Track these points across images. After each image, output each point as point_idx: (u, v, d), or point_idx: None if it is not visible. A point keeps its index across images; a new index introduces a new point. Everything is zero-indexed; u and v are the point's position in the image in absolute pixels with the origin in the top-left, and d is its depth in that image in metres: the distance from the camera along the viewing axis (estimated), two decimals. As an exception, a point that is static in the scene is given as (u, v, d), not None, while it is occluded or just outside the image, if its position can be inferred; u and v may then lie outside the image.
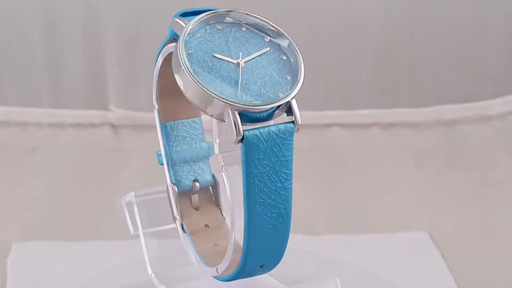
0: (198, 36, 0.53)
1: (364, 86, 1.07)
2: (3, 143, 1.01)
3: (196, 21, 0.54)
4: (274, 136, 0.51)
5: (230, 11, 0.55)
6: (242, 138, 0.51)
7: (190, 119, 0.61)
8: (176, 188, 0.61)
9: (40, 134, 1.03)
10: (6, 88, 1.05)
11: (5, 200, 0.88)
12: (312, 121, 1.06)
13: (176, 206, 0.61)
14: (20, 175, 0.94)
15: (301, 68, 0.53)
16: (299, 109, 0.52)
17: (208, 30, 0.54)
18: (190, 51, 0.53)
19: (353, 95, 1.07)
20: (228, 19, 0.54)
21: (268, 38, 0.54)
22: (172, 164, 0.61)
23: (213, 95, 0.51)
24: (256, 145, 0.51)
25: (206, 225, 0.61)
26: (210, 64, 0.52)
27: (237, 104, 0.51)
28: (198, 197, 0.62)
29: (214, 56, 0.52)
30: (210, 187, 0.62)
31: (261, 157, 0.51)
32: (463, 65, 1.08)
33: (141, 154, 0.99)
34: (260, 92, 0.52)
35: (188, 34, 0.53)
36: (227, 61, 0.52)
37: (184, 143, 0.61)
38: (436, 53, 1.07)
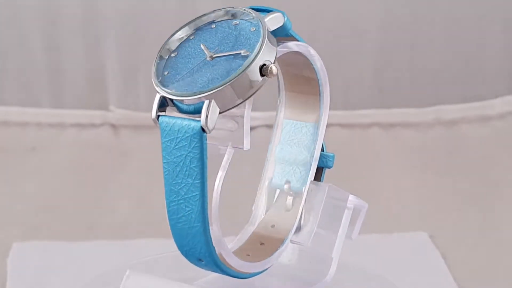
0: (212, 26, 0.55)
1: (364, 86, 1.07)
2: (3, 143, 1.01)
3: (216, 14, 0.55)
4: (183, 130, 0.51)
5: (246, 10, 0.55)
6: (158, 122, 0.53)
7: (304, 122, 0.61)
8: (266, 183, 0.61)
9: (40, 134, 1.03)
10: (6, 88, 1.05)
11: (5, 200, 0.88)
12: (312, 121, 1.06)
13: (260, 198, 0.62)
14: (20, 175, 0.94)
15: (239, 74, 0.52)
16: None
17: (223, 24, 0.55)
18: (191, 37, 0.54)
19: (353, 95, 1.07)
20: (249, 17, 0.55)
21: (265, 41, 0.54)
22: (274, 160, 0.61)
23: (152, 79, 0.53)
24: (166, 132, 0.52)
25: (272, 226, 0.61)
26: (191, 52, 0.54)
27: (160, 90, 0.52)
28: (292, 200, 0.61)
29: (200, 45, 0.54)
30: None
31: (172, 146, 0.52)
32: (463, 65, 1.08)
33: (141, 154, 0.99)
34: (201, 87, 0.52)
35: (196, 22, 0.55)
36: (204, 52, 0.53)
37: (291, 144, 0.60)
38: (436, 53, 1.07)
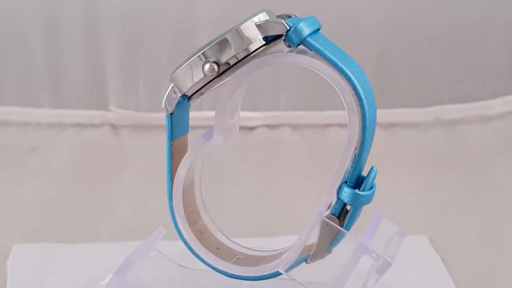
0: None
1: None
2: (3, 143, 1.01)
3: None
4: None
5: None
6: None
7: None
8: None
9: (40, 134, 1.03)
10: (6, 88, 1.05)
11: (5, 201, 0.88)
12: (312, 121, 1.06)
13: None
14: (20, 175, 0.94)
15: (183, 65, 0.54)
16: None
17: None
18: None
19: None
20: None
21: None
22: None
23: None
24: None
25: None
26: None
27: None
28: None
29: None
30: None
31: None
32: (463, 65, 1.08)
33: (141, 154, 0.99)
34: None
35: None
36: None
37: None
38: (436, 53, 1.07)
